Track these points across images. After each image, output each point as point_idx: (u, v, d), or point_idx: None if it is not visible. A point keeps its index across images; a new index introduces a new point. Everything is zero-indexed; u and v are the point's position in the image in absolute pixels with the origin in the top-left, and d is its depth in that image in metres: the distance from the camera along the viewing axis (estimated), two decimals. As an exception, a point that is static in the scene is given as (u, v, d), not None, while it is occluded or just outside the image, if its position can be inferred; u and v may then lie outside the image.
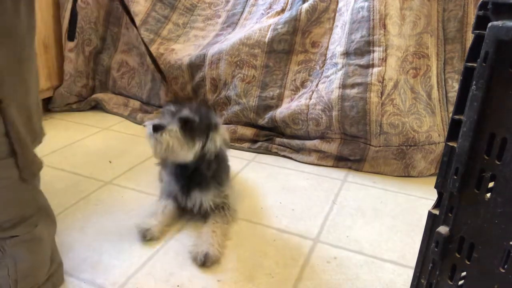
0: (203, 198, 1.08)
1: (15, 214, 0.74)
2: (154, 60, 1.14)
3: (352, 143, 1.45)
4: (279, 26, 1.60)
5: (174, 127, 1.00)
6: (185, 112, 1.03)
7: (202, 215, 1.10)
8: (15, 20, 0.68)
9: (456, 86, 1.47)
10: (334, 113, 1.43)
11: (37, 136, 0.83)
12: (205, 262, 0.92)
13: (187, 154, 1.02)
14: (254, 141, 1.62)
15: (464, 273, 0.55)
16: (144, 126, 1.05)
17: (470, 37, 1.45)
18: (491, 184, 0.49)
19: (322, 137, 1.50)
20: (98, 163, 1.42)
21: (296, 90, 1.59)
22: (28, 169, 0.73)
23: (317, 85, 1.53)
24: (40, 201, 0.81)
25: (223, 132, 1.10)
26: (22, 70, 0.73)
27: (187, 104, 1.07)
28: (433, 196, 0.58)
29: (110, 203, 1.18)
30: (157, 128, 1.00)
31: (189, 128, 1.01)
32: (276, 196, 1.25)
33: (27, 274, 0.77)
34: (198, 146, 1.03)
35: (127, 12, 1.16)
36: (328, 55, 1.55)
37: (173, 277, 0.89)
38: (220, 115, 1.73)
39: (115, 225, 1.08)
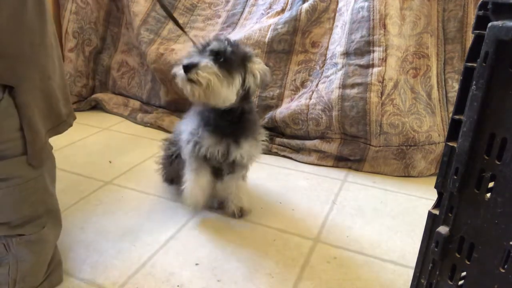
0: (251, 149, 1.01)
1: (24, 214, 0.74)
2: (174, 19, 1.04)
3: (352, 143, 1.45)
4: (279, 26, 1.60)
5: (207, 61, 0.88)
6: (215, 44, 0.91)
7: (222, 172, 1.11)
8: (21, 7, 0.68)
9: (456, 86, 1.47)
10: (334, 113, 1.43)
11: (61, 120, 0.83)
12: (242, 215, 1.11)
13: (229, 92, 0.90)
14: (254, 141, 1.62)
15: (464, 273, 0.55)
16: (174, 75, 0.93)
17: (470, 37, 1.45)
18: (491, 184, 0.49)
19: (322, 137, 1.50)
20: (98, 163, 1.42)
21: (296, 90, 1.59)
22: (36, 156, 0.73)
23: (317, 85, 1.53)
24: (50, 203, 0.81)
25: (260, 63, 0.97)
26: (37, 56, 0.73)
27: (214, 37, 0.96)
28: (433, 196, 0.58)
29: (110, 203, 1.18)
30: (189, 68, 0.87)
31: (223, 61, 0.89)
32: (276, 196, 1.25)
33: (27, 274, 0.77)
34: (238, 81, 0.91)
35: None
36: (328, 55, 1.55)
37: (173, 277, 0.89)
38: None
39: (115, 225, 1.08)
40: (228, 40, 0.94)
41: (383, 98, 1.38)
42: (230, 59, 0.90)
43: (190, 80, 0.89)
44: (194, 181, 1.07)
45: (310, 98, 1.51)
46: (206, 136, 1.00)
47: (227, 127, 0.98)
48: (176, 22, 1.03)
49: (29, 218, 0.75)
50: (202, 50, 0.92)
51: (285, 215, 1.15)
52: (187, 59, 0.90)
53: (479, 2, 0.47)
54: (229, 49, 0.91)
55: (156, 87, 1.90)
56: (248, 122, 0.99)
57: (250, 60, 0.95)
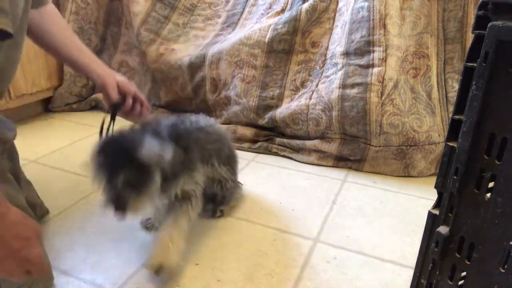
0: (172, 187, 0.92)
1: None
2: None
3: (352, 143, 1.45)
4: (279, 26, 1.60)
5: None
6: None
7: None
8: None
9: (456, 86, 1.47)
10: (334, 113, 1.43)
11: None
12: (159, 272, 0.86)
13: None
14: (254, 141, 1.62)
15: (464, 273, 0.55)
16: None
17: (470, 37, 1.45)
18: (491, 184, 0.49)
19: (322, 137, 1.50)
20: (98, 163, 1.42)
21: (296, 90, 1.59)
22: None
23: (317, 85, 1.53)
24: (21, 201, 0.80)
25: None
26: None
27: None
28: (433, 196, 0.58)
29: (110, 203, 1.18)
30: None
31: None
32: (276, 196, 1.25)
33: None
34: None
35: None
36: (328, 55, 1.55)
37: (173, 277, 0.89)
38: (220, 115, 1.73)
39: (115, 225, 1.07)
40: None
41: (383, 98, 1.38)
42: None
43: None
44: None
45: (310, 98, 1.51)
46: None
47: None
48: None
49: None
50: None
51: (285, 215, 1.15)
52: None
53: (479, 2, 0.47)
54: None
55: (156, 87, 1.90)
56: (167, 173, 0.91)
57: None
